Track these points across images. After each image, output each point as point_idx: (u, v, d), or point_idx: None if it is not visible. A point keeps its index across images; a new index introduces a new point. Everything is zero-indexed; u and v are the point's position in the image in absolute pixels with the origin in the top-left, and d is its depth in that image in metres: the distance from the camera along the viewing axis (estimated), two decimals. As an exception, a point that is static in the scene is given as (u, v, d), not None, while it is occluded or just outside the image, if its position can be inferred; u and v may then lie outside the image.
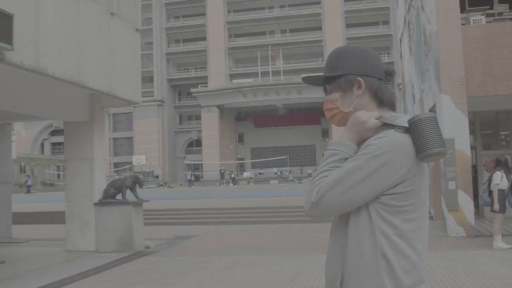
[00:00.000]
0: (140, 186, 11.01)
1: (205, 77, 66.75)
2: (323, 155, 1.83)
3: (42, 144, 74.89)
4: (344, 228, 1.77)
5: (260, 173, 59.79)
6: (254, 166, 64.09)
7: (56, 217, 17.60)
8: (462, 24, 11.97)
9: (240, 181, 54.70)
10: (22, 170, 53.67)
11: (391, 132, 1.69)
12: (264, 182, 52.91)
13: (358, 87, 1.82)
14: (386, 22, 64.88)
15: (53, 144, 75.32)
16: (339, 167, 1.71)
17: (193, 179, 52.57)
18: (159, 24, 68.58)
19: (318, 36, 64.69)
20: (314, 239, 11.41)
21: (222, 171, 48.48)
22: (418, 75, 15.93)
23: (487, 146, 14.98)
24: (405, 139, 1.67)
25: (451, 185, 11.02)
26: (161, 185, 51.54)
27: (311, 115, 66.39)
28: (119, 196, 10.80)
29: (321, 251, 9.41)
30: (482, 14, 13.13)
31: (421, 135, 1.65)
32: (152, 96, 66.42)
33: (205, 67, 68.17)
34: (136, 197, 10.91)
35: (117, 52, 10.79)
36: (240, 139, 68.90)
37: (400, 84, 52.77)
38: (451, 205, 11.02)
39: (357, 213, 1.73)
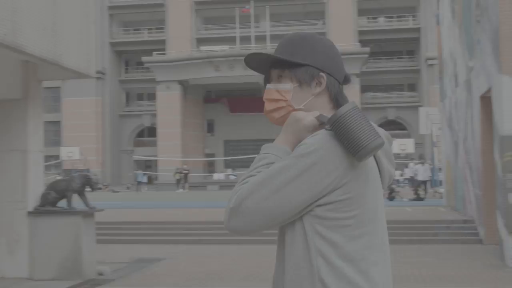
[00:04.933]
0: (92, 189, 11.01)
1: (163, 42, 66.62)
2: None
3: None
4: (281, 247, 1.94)
5: (231, 176, 59.85)
6: (228, 165, 64.21)
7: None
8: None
9: (209, 185, 54.77)
10: None
11: (324, 130, 1.86)
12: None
13: (317, 83, 2.01)
14: (411, -27, 65.62)
15: None
16: None
17: (145, 181, 52.51)
18: (100, -34, 68.09)
19: (319, -11, 65.11)
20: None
21: (185, 172, 48.43)
22: (465, 48, 16.19)
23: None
24: None
25: (512, 197, 11.26)
26: (100, 188, 51.31)
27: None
28: (62, 203, 10.77)
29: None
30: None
31: (349, 133, 1.78)
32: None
33: (162, 28, 68.01)
34: (86, 205, 10.89)
35: (63, 5, 10.73)
36: (210, 128, 69.04)
37: (432, 59, 53.48)
38: (512, 224, 11.26)
39: (291, 229, 1.88)
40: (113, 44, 69.83)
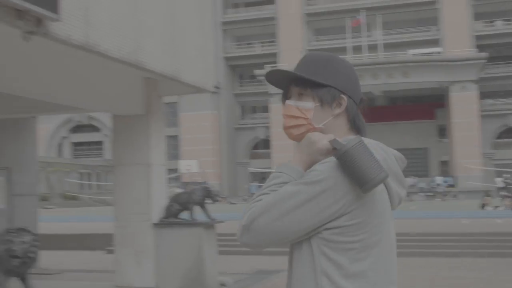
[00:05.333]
0: (213, 201, 11.22)
1: (274, 55, 67.07)
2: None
3: (60, 144, 77.84)
4: (289, 264, 2.09)
5: None
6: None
7: (93, 241, 18.24)
8: None
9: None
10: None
11: (334, 159, 1.95)
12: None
13: (337, 104, 2.11)
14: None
15: (75, 144, 78.18)
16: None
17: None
18: (213, -16, 69.60)
19: (433, -5, 63.54)
20: None
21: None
22: None
23: None
24: None
25: None
26: (218, 201, 52.28)
27: (422, 107, 65.32)
28: (184, 215, 11.01)
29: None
30: None
31: (355, 168, 1.89)
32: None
33: (274, 41, 68.50)
34: (208, 216, 11.10)
35: (182, 21, 11.02)
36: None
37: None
38: None
39: (299, 248, 2.02)
40: (227, 59, 71.03)
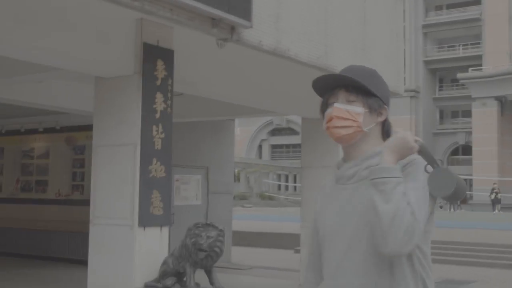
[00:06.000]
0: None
1: (479, 57, 64.38)
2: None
3: (260, 146, 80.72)
4: (381, 264, 2.16)
5: None
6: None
7: (283, 240, 18.80)
8: None
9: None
10: (237, 177, 58.23)
11: (419, 158, 2.25)
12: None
13: (379, 114, 2.38)
14: None
15: (273, 146, 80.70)
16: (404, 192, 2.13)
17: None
18: (414, -15, 68.43)
19: None
20: None
21: (495, 191, 46.07)
22: None
23: None
24: None
25: None
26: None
27: None
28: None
29: None
30: None
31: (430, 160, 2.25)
32: (403, 84, 66.54)
33: (478, 43, 65.80)
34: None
35: (372, 25, 11.02)
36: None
37: None
38: None
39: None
40: (427, 62, 69.55)
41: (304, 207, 11.53)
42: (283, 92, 10.90)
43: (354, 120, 2.29)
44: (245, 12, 7.77)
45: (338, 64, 9.99)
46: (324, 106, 2.41)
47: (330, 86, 2.38)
